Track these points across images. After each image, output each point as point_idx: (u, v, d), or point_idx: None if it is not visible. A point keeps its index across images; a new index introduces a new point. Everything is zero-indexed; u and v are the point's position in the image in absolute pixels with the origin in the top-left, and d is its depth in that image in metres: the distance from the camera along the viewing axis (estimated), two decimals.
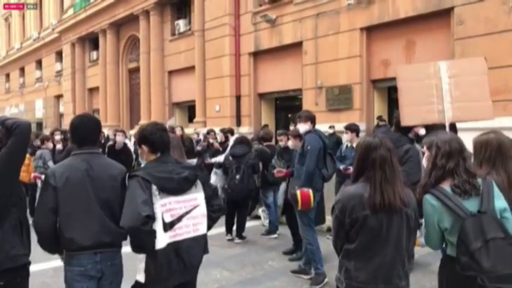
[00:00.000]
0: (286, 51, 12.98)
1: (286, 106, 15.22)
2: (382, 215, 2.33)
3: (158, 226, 2.42)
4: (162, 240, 2.41)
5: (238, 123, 14.47)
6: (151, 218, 2.40)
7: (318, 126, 11.37)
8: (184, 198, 2.56)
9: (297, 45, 12.49)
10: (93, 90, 22.66)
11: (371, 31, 10.91)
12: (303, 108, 12.61)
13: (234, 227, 6.78)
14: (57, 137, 9.09)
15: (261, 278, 5.03)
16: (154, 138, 2.68)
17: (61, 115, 25.68)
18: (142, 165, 2.81)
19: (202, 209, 2.62)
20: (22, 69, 30.28)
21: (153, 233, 2.40)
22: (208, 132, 10.38)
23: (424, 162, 2.58)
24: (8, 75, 32.71)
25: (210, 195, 2.74)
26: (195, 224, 2.55)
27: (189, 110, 17.44)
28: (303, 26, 12.20)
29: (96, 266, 2.57)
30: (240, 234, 6.66)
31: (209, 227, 2.75)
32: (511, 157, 2.74)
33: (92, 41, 22.31)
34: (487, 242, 2.26)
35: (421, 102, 3.76)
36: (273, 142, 8.87)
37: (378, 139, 2.44)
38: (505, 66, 8.38)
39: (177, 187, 2.53)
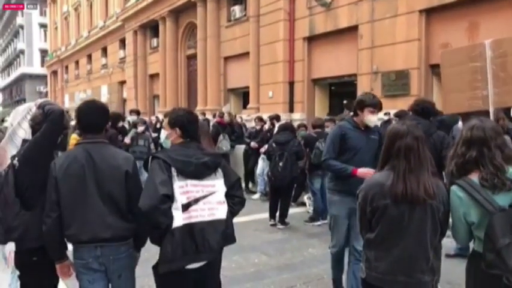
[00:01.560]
0: (341, 35, 12.62)
1: (341, 92, 14.86)
2: (403, 205, 2.20)
3: (177, 206, 2.45)
4: (179, 219, 2.43)
5: (291, 110, 14.34)
6: (169, 197, 2.42)
7: None
8: (202, 183, 2.56)
9: (353, 29, 12.11)
10: (153, 77, 23.37)
11: (431, 13, 10.32)
12: (358, 94, 12.25)
13: (278, 213, 6.76)
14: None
15: (299, 265, 4.98)
16: (191, 127, 2.71)
17: (124, 100, 26.78)
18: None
19: (218, 197, 2.59)
20: (89, 57, 31.85)
21: (169, 212, 2.41)
22: (260, 119, 10.39)
23: None
24: (77, 62, 34.55)
25: (231, 185, 2.69)
26: (210, 209, 2.54)
27: (244, 96, 17.53)
28: (359, 9, 11.78)
29: (97, 259, 2.56)
30: (282, 220, 6.63)
31: (231, 218, 2.71)
32: None
33: (152, 29, 22.97)
34: None
35: (465, 88, 3.45)
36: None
37: (405, 127, 2.31)
38: None
39: (194, 171, 2.54)
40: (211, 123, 10.96)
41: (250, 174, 9.58)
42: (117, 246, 2.59)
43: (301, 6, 13.64)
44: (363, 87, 11.93)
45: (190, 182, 2.52)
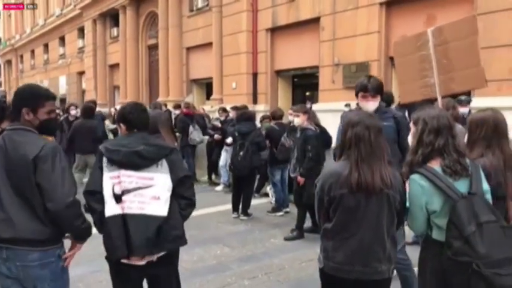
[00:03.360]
0: (303, 27, 12.67)
1: (304, 84, 14.97)
2: (359, 195, 2.21)
3: (107, 195, 2.38)
4: (111, 209, 2.36)
5: (255, 101, 14.33)
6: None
7: (334, 104, 11.21)
8: (138, 175, 2.42)
9: (315, 21, 12.17)
10: (113, 67, 22.79)
11: (391, 6, 10.51)
12: (320, 86, 12.38)
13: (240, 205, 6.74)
14: (73, 111, 9.27)
15: (261, 256, 4.99)
16: (132, 117, 2.63)
17: (83, 91, 26.00)
18: None
19: (155, 192, 2.41)
20: (46, 46, 30.63)
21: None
22: (224, 110, 10.29)
23: (410, 138, 2.43)
24: (33, 52, 33.16)
25: (178, 182, 2.50)
26: (140, 202, 2.38)
27: (207, 87, 17.37)
28: (321, 1, 11.85)
29: (4, 263, 2.24)
30: (245, 211, 6.63)
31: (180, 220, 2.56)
32: (506, 136, 2.58)
33: (112, 18, 22.34)
34: (481, 225, 2.12)
35: (416, 76, 3.52)
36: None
37: (358, 116, 2.32)
38: None
39: (122, 160, 2.41)
40: (173, 115, 10.78)
41: (213, 166, 9.51)
42: (24, 252, 2.22)
43: None
44: (324, 79, 12.06)
45: (124, 172, 2.40)
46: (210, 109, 13.99)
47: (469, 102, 7.07)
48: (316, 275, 2.49)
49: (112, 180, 2.39)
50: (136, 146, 2.45)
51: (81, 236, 2.41)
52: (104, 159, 2.43)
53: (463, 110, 6.86)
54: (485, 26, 8.41)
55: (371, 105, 3.38)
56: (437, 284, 2.27)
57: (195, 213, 6.81)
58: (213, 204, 7.43)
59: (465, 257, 2.09)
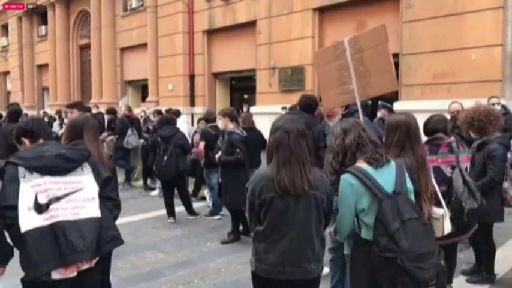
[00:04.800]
0: (240, 30, 12.77)
1: (241, 87, 15.05)
2: (288, 197, 2.25)
3: (24, 208, 2.21)
4: (29, 222, 2.20)
5: (192, 103, 14.22)
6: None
7: (271, 107, 11.36)
8: (66, 180, 2.33)
9: (251, 25, 12.31)
10: (42, 67, 21.68)
11: (324, 12, 10.86)
12: (257, 89, 12.51)
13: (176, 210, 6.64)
14: None
15: (196, 260, 4.92)
16: (32, 125, 2.60)
17: (8, 93, 24.46)
18: None
19: (86, 194, 2.35)
20: None
21: None
22: (159, 112, 10.07)
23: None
24: None
25: (102, 183, 2.45)
26: (74, 208, 2.30)
27: (143, 89, 16.98)
28: (257, 4, 12.00)
29: None
30: (190, 210, 6.64)
31: (113, 220, 2.52)
32: (418, 140, 2.78)
33: (40, 15, 21.23)
34: (404, 222, 2.23)
35: (336, 84, 3.69)
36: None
37: (281, 122, 2.38)
38: (450, 49, 8.53)
39: (48, 165, 2.30)
40: (106, 117, 10.41)
41: (148, 171, 9.27)
42: None
43: None
44: (261, 82, 12.21)
45: (49, 179, 2.28)
46: (147, 112, 13.66)
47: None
48: None
49: (34, 188, 2.24)
50: (58, 150, 2.36)
51: (5, 258, 2.29)
52: (20, 170, 2.26)
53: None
54: (411, 33, 8.95)
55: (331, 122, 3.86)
56: (367, 281, 2.36)
57: (130, 219, 6.56)
58: (148, 210, 7.25)
59: (390, 253, 2.19)
